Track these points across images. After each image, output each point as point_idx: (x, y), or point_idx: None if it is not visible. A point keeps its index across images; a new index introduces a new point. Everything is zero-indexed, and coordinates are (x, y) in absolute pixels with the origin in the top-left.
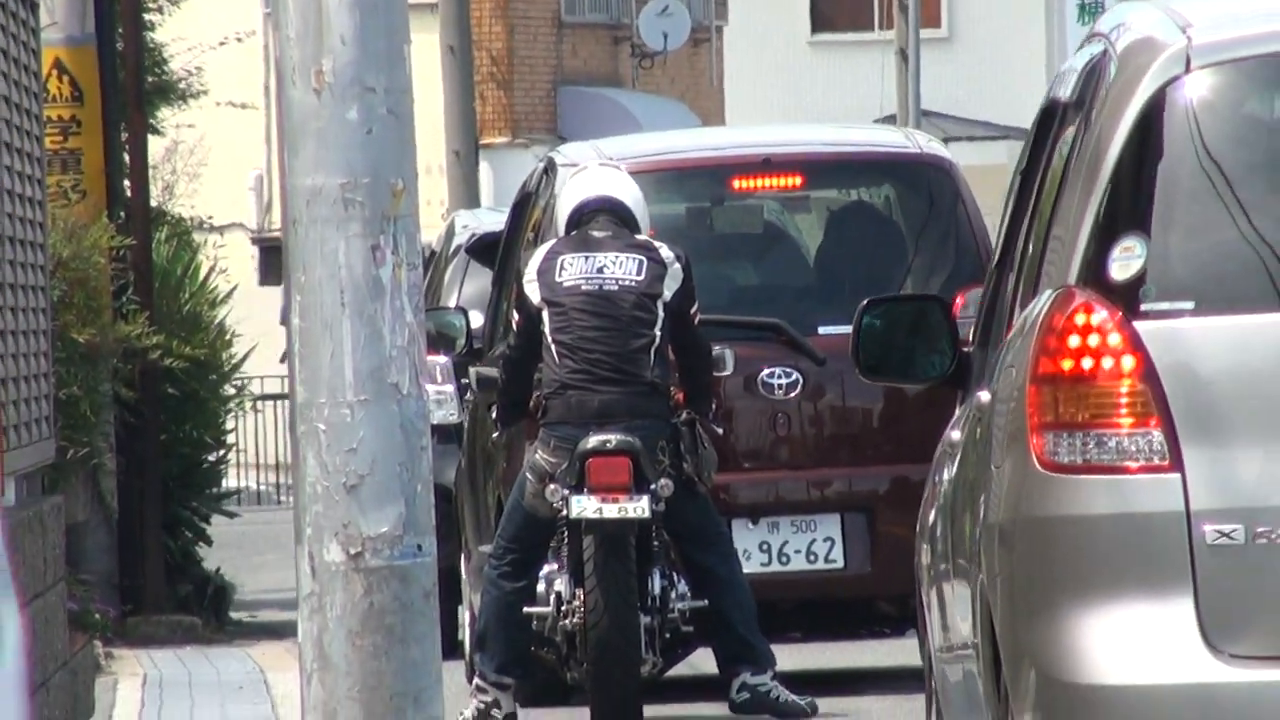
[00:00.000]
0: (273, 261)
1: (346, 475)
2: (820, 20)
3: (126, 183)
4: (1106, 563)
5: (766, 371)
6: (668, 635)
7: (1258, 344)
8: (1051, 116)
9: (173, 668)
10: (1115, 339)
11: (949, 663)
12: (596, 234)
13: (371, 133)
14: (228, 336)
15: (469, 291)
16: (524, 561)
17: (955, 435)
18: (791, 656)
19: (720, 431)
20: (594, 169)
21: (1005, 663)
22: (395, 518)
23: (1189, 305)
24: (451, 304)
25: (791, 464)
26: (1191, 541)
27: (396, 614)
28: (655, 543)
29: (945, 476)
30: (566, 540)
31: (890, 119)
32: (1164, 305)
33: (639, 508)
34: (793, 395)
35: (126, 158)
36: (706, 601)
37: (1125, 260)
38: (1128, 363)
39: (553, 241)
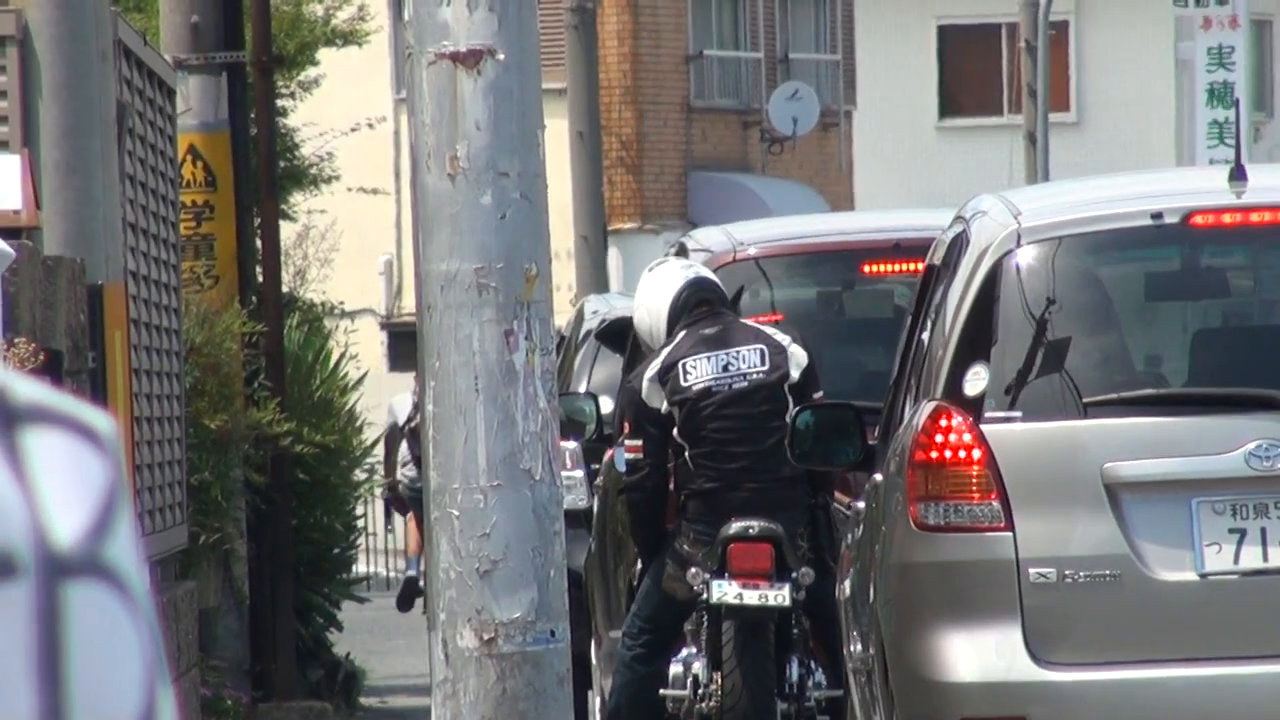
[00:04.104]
0: (402, 347)
1: (480, 561)
2: (949, 104)
3: (258, 268)
4: (961, 595)
5: None
6: None
7: (1061, 441)
8: (930, 275)
9: None
10: (967, 438)
11: (859, 670)
12: (709, 331)
13: (505, 218)
14: (358, 423)
15: (599, 377)
16: (659, 643)
17: (860, 505)
18: None
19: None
20: (661, 266)
21: (890, 666)
22: (528, 603)
23: (1019, 414)
24: (581, 389)
25: None
26: (1020, 580)
27: (530, 700)
28: (794, 630)
29: (854, 536)
30: (706, 624)
31: None
32: (1001, 414)
33: (780, 595)
34: None
35: (259, 243)
36: (843, 691)
37: (974, 381)
38: (976, 455)
39: (665, 349)
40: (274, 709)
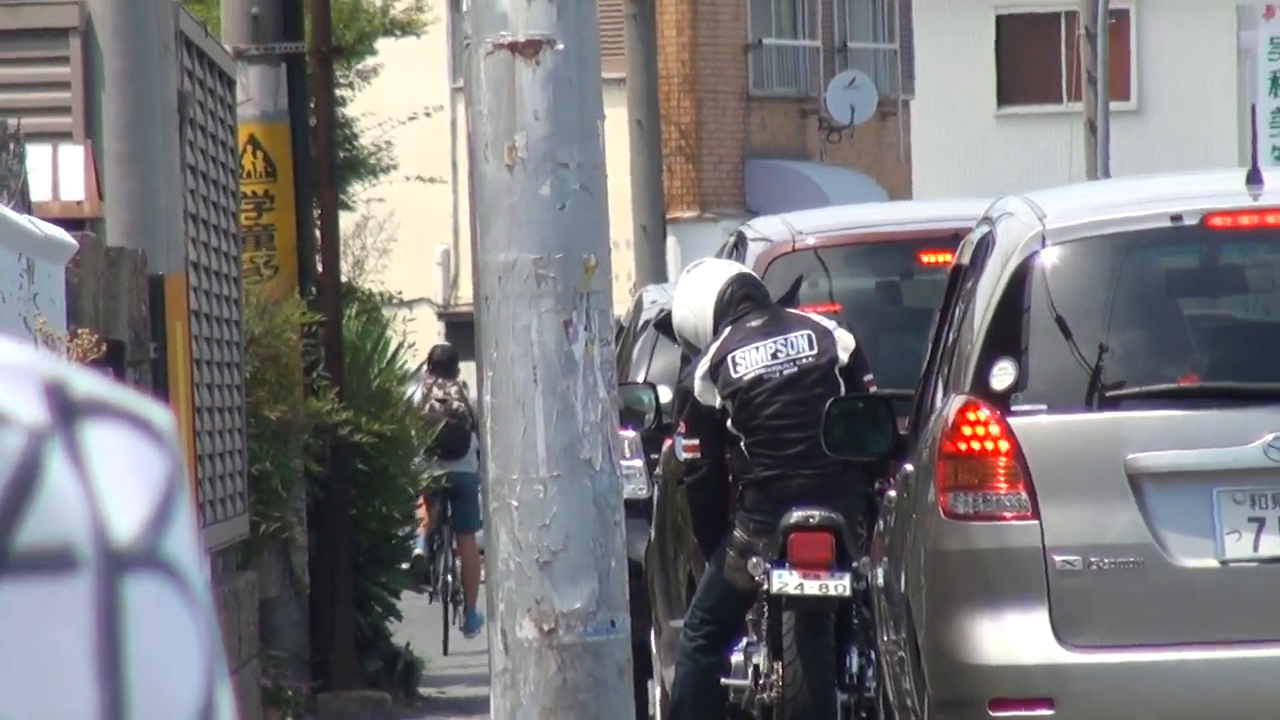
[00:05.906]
0: (459, 337)
1: (539, 551)
2: (1007, 92)
3: (318, 258)
4: (990, 581)
5: None
6: (864, 714)
7: (1085, 433)
8: (958, 275)
9: None
10: (995, 430)
11: (891, 654)
12: (755, 322)
13: (564, 208)
14: (416, 413)
15: (657, 366)
16: (720, 633)
17: (892, 494)
18: None
19: None
20: (700, 266)
21: (921, 650)
22: (588, 594)
23: (1044, 407)
24: (640, 379)
25: None
26: (1046, 567)
27: (590, 691)
28: (854, 620)
29: (886, 524)
30: (766, 614)
31: None
32: (1027, 407)
33: (840, 585)
34: None
35: (318, 233)
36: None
37: (1001, 375)
38: (1003, 446)
39: (713, 345)
40: (333, 699)
